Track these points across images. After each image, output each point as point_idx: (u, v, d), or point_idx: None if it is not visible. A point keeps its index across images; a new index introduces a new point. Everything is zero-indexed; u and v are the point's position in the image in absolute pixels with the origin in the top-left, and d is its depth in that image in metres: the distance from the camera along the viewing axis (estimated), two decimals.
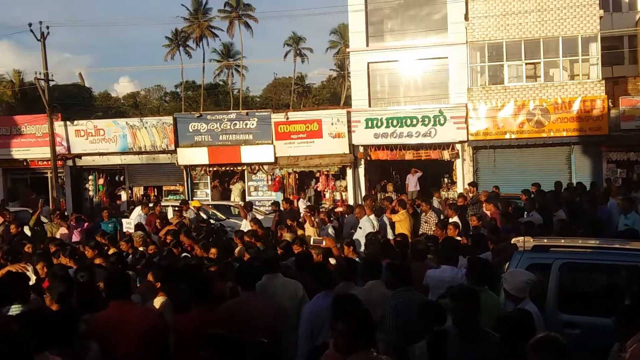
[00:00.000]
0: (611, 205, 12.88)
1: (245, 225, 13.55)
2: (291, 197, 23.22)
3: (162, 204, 18.87)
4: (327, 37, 69.14)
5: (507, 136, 21.57)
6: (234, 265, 7.25)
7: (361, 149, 23.04)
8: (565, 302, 6.37)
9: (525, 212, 12.77)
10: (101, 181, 26.94)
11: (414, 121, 22.17)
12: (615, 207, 12.70)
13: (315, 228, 12.85)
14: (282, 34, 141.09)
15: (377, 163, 23.64)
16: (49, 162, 25.79)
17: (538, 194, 14.71)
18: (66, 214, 16.44)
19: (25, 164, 26.94)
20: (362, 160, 23.15)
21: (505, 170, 21.51)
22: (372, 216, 13.20)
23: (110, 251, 9.40)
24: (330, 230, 13.09)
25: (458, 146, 22.07)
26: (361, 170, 23.31)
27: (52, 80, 27.31)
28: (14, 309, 5.41)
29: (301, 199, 22.30)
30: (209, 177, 25.28)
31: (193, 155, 24.76)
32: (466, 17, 22.23)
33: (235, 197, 24.06)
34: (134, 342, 5.04)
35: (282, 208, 15.86)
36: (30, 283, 7.09)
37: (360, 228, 12.48)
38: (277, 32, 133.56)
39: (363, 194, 22.32)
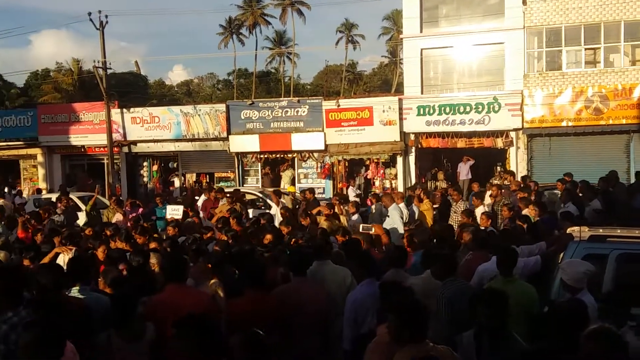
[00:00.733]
0: None
1: (276, 212, 13.58)
2: (341, 185, 23.33)
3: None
4: (380, 23, 68.55)
5: (564, 124, 20.99)
6: (286, 251, 7.30)
7: (412, 137, 22.82)
8: (622, 294, 6.20)
9: (562, 203, 12.37)
10: (155, 167, 27.53)
11: (467, 108, 21.80)
12: None
13: (344, 216, 12.73)
14: (335, 20, 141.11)
15: (428, 151, 23.38)
16: (106, 149, 26.49)
17: (572, 185, 14.30)
18: (121, 199, 16.82)
19: (82, 150, 27.74)
20: (413, 148, 22.92)
21: (560, 159, 20.92)
22: (402, 204, 13.03)
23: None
24: (356, 217, 12.81)
25: (512, 134, 21.61)
26: (412, 158, 23.09)
27: (110, 69, 28.01)
28: (74, 291, 5.56)
29: (351, 187, 22.30)
30: (259, 164, 25.50)
31: (244, 143, 25.00)
32: (524, 2, 21.65)
33: (285, 184, 24.21)
34: None
35: (306, 197, 15.75)
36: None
37: (388, 217, 12.29)
38: (329, 19, 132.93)
39: (413, 182, 22.12)
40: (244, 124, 24.95)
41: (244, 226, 10.68)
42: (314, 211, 12.64)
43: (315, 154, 24.39)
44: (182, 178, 27.00)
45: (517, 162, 21.61)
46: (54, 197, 18.87)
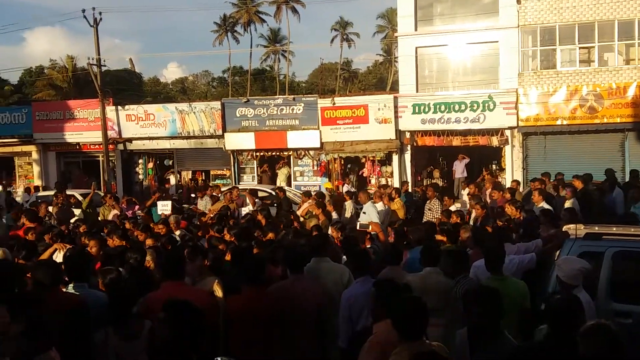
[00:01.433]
0: (616, 194, 13.10)
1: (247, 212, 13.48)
2: (336, 183, 23.36)
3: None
4: (375, 21, 68.73)
5: (559, 122, 21.06)
6: (283, 248, 7.31)
7: (408, 135, 22.86)
8: (617, 291, 6.25)
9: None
10: (151, 165, 27.50)
11: (463, 107, 21.85)
12: (620, 196, 12.94)
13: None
14: (329, 18, 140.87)
15: (423, 149, 23.43)
16: (101, 146, 26.42)
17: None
18: (117, 196, 16.82)
19: (78, 147, 27.67)
20: (409, 146, 22.96)
21: (556, 157, 20.99)
22: (380, 203, 13.08)
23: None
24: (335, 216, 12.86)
25: (507, 132, 21.67)
26: (407, 156, 23.13)
27: (104, 66, 27.91)
28: (70, 288, 5.56)
29: (346, 184, 22.33)
30: (255, 161, 25.50)
31: (240, 140, 25.00)
32: (518, 1, 21.70)
33: (281, 182, 24.22)
34: None
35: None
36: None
37: (364, 213, 12.35)
38: (324, 17, 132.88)
39: (409, 180, 22.17)
40: (239, 121, 24.94)
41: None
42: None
43: (311, 152, 24.40)
44: (178, 175, 26.98)
45: (513, 160, 21.67)
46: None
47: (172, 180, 26.83)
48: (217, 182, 25.24)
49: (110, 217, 13.17)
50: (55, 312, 4.71)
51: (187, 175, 27.17)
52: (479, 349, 4.47)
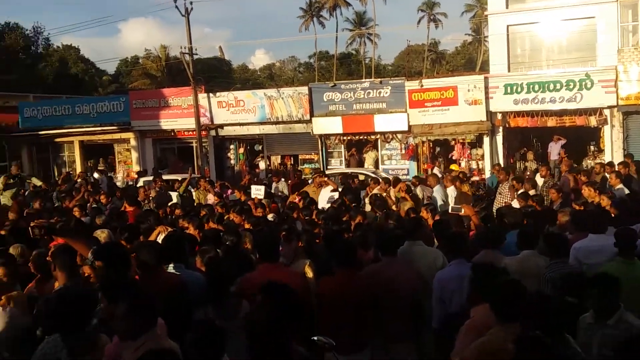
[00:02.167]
0: None
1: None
2: (425, 166, 23.08)
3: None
4: (462, 1, 66.84)
5: None
6: (374, 232, 7.33)
7: (499, 116, 22.20)
8: None
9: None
10: (241, 150, 28.10)
11: (558, 86, 20.96)
12: None
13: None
14: (416, 0, 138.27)
15: (516, 130, 22.70)
16: (194, 132, 27.24)
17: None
18: (212, 180, 17.31)
19: (172, 134, 28.65)
20: (500, 127, 22.31)
21: None
22: (452, 187, 12.88)
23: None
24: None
25: (606, 112, 20.62)
26: (499, 138, 22.48)
27: (196, 54, 28.70)
28: (170, 268, 5.80)
29: (436, 167, 22.02)
30: (342, 145, 25.57)
31: (327, 125, 25.11)
32: None
33: (368, 166, 24.18)
34: None
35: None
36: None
37: (430, 197, 12.29)
38: None
39: (501, 162, 21.57)
40: (326, 106, 25.04)
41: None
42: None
43: (399, 135, 24.19)
44: (267, 160, 27.46)
45: (612, 140, 20.63)
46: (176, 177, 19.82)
47: (262, 165, 27.33)
48: (305, 166, 25.54)
49: (207, 201, 13.57)
50: (159, 291, 4.93)
51: (276, 160, 27.60)
52: (602, 332, 4.40)
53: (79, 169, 28.76)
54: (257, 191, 13.39)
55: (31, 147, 31.81)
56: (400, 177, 16.32)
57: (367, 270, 6.06)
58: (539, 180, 13.72)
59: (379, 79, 25.56)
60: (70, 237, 6.33)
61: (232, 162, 28.35)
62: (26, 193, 16.71)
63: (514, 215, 7.97)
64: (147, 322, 4.03)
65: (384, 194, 12.23)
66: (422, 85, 23.25)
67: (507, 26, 22.65)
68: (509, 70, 22.49)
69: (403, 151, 24.21)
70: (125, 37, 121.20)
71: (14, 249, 6.85)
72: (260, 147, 27.79)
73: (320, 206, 12.01)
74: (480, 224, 8.30)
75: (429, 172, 20.76)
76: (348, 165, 24.60)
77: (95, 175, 24.32)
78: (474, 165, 22.90)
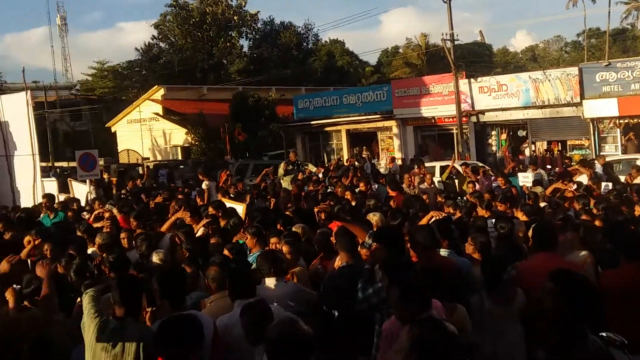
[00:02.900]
0: None
1: None
2: None
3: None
4: None
5: None
6: None
7: None
8: None
9: None
10: (504, 136, 27.36)
11: None
12: None
13: None
14: None
15: None
16: (454, 119, 27.18)
17: None
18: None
19: (433, 121, 28.94)
20: None
21: None
22: None
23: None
24: None
25: None
26: None
27: (457, 40, 28.55)
28: (443, 252, 5.94)
29: None
30: (618, 130, 23.43)
31: (600, 107, 23.21)
32: None
33: None
34: None
35: None
36: None
37: None
38: None
39: None
40: (599, 87, 23.15)
41: None
42: None
43: None
44: (532, 146, 26.32)
45: None
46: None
47: (527, 151, 26.28)
48: (575, 152, 24.00)
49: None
50: (432, 273, 5.06)
51: (541, 146, 26.30)
52: None
53: (345, 156, 30.57)
54: (525, 178, 12.97)
55: (304, 136, 34.79)
56: None
57: None
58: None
59: None
60: (347, 221, 6.80)
61: (494, 148, 27.76)
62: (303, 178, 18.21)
63: None
64: (419, 307, 4.14)
65: None
66: None
67: None
68: None
69: None
70: (386, 28, 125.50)
71: (297, 228, 7.49)
72: (524, 133, 26.76)
73: None
74: None
75: None
76: (625, 151, 22.48)
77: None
78: None
